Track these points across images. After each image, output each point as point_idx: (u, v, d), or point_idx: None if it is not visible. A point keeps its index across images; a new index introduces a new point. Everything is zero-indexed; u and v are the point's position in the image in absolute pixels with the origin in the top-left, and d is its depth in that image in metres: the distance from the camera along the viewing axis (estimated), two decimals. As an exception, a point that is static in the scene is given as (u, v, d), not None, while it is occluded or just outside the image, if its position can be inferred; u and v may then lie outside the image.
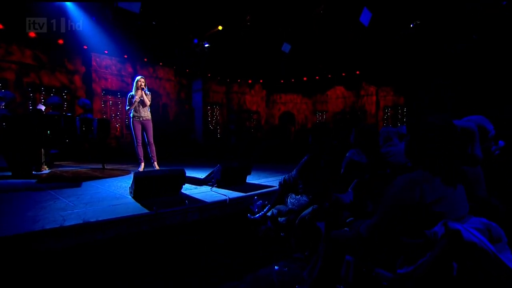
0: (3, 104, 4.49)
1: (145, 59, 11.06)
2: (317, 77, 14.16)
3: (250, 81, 14.81)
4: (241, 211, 2.82)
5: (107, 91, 9.68)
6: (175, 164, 6.01)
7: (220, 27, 9.68)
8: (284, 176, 2.41)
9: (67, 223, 2.01)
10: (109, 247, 2.12)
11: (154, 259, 2.31)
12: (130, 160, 6.33)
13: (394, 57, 11.06)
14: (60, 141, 4.27)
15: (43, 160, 4.66)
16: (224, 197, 2.83)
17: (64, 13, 7.66)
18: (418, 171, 1.16)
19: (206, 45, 11.14)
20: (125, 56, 10.34)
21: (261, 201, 2.78)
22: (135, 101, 4.69)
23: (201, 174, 4.59)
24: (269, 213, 2.37)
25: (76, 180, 3.78)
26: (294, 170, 2.24)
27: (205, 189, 3.27)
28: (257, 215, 2.56)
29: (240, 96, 14.09)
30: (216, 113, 13.98)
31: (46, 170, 4.96)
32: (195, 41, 11.32)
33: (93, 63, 9.20)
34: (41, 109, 4.79)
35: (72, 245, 1.96)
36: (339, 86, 13.42)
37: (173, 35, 10.37)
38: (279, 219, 2.21)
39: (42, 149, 4.60)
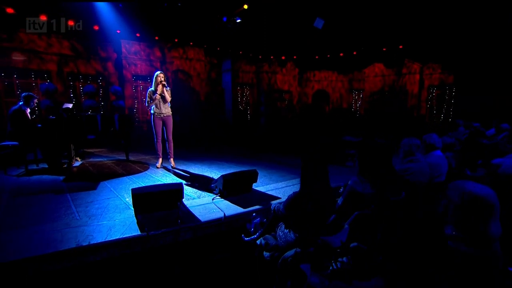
0: (35, 101, 4.82)
1: (176, 40, 11.09)
2: (354, 52, 12.98)
3: (283, 58, 14.14)
4: (238, 228, 2.76)
5: (137, 77, 10.01)
6: (195, 156, 6.09)
7: (245, 6, 9.15)
8: (274, 204, 2.25)
9: (62, 247, 2.14)
10: (103, 267, 2.23)
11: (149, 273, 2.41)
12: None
13: (446, 28, 9.53)
14: (83, 137, 4.56)
15: (73, 154, 5.04)
16: (221, 214, 2.78)
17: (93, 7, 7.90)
18: None
19: (238, 21, 10.74)
20: (156, 38, 10.46)
21: (259, 218, 2.68)
22: (156, 97, 4.67)
23: (215, 173, 4.60)
24: (258, 241, 2.27)
25: (95, 179, 4.03)
26: (282, 204, 2.07)
27: (207, 199, 3.26)
28: (251, 237, 2.48)
29: (271, 76, 13.61)
30: (246, 94, 13.79)
31: (78, 162, 5.40)
32: (224, 19, 10.98)
33: (123, 49, 9.47)
34: (68, 107, 5.09)
35: (65, 267, 2.09)
36: (378, 63, 12.18)
37: (201, 14, 10.13)
38: (264, 253, 2.10)
39: (71, 145, 4.96)
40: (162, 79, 4.73)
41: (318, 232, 1.88)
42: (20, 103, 4.53)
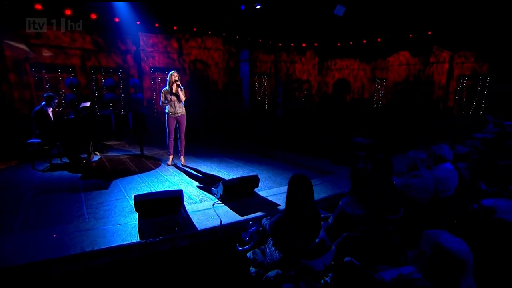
0: (55, 101, 5.09)
1: (194, 29, 11.12)
2: (378, 39, 12.28)
3: (304, 45, 13.71)
4: (235, 235, 2.84)
5: (155, 69, 10.21)
6: (206, 153, 6.20)
7: (261, -5, 8.88)
8: (264, 220, 2.28)
9: (69, 252, 2.33)
10: (105, 270, 2.41)
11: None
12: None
13: (481, 11, 8.64)
14: (98, 136, 4.82)
15: (91, 150, 5.35)
16: (218, 222, 2.86)
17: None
18: None
19: (258, 7, 10.53)
20: (175, 28, 10.55)
21: (255, 227, 2.73)
22: (171, 99, 4.76)
23: (222, 172, 4.70)
24: (248, 254, 2.32)
25: (109, 177, 4.27)
26: (268, 225, 2.09)
27: (208, 203, 3.35)
28: (244, 247, 2.54)
29: (289, 65, 13.30)
30: (264, 84, 13.63)
31: (96, 156, 5.72)
32: (242, 7, 10.81)
33: (141, 42, 9.65)
34: (86, 106, 5.35)
35: (70, 270, 2.29)
36: (404, 51, 11.43)
37: (219, 2, 10.04)
38: (251, 268, 2.15)
39: (90, 141, 5.26)
40: (177, 78, 4.79)
41: (301, 256, 1.89)
42: (42, 103, 4.83)
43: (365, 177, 2.22)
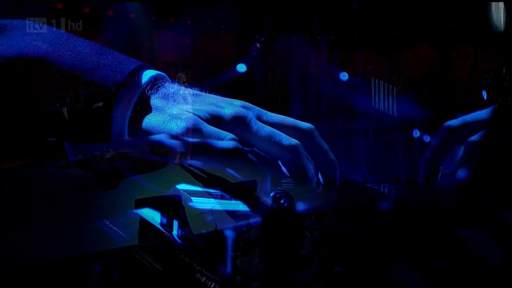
0: (67, 99, 5.34)
1: (209, 23, 11.24)
2: (397, 32, 11.83)
3: (319, 38, 13.47)
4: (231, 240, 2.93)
5: (169, 65, 10.40)
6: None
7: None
8: (252, 230, 2.34)
9: (71, 253, 2.52)
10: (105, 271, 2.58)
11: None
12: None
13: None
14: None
15: (104, 148, 5.60)
16: (213, 226, 2.96)
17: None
18: None
19: None
20: (189, 22, 10.71)
21: (249, 234, 2.81)
22: None
23: (226, 172, 4.80)
24: (237, 261, 2.40)
25: (118, 176, 4.49)
26: (253, 236, 2.15)
27: (207, 206, 3.45)
28: (236, 253, 2.62)
29: (302, 60, 13.12)
30: (277, 78, 13.59)
31: (109, 153, 5.97)
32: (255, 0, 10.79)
33: (154, 39, 9.88)
34: (99, 106, 5.57)
35: (72, 271, 2.47)
36: (423, 44, 10.92)
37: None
38: (237, 276, 2.23)
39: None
40: (184, 80, 4.92)
41: (283, 269, 1.94)
42: (57, 104, 5.10)
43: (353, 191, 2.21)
